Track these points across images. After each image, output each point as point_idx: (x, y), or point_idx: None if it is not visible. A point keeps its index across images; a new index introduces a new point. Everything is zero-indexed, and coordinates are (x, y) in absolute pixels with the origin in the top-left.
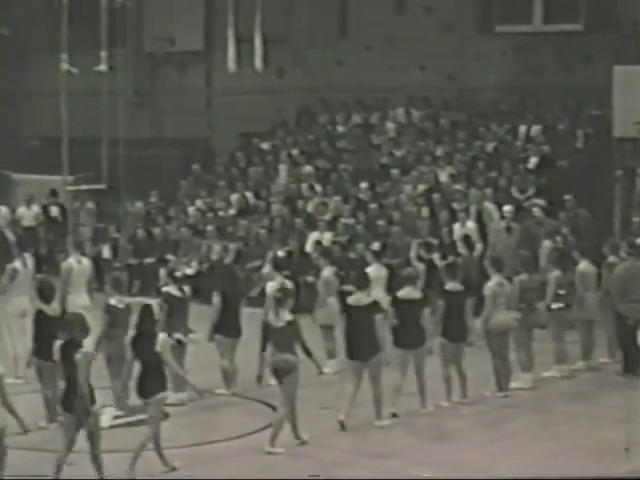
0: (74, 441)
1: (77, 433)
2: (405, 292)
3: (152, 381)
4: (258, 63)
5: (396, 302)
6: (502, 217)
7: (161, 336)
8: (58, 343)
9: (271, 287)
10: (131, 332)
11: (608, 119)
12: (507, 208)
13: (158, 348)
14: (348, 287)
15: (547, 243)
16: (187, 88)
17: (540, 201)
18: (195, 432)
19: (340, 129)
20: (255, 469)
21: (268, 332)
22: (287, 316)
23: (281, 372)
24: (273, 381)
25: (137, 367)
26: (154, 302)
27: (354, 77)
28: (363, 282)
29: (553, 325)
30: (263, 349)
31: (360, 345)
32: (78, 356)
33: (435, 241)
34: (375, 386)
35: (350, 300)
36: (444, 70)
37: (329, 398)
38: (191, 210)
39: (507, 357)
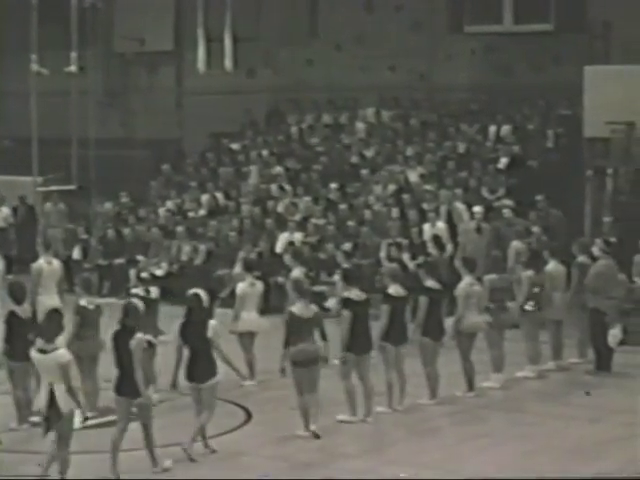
0: (127, 427)
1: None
2: (393, 289)
3: (204, 367)
4: (228, 63)
5: (388, 299)
6: (472, 217)
7: (212, 322)
8: (112, 332)
9: (241, 288)
10: (179, 320)
11: (578, 119)
12: (477, 209)
13: (210, 334)
14: (319, 288)
15: (515, 243)
16: (157, 88)
17: (509, 202)
18: (166, 433)
19: (307, 129)
20: (227, 470)
21: (294, 323)
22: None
23: (310, 361)
24: (248, 382)
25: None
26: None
27: (324, 77)
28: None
29: (526, 325)
30: (288, 343)
31: (360, 339)
32: (133, 342)
33: (405, 241)
34: (367, 381)
35: (352, 295)
36: (414, 70)
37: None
38: (161, 211)
39: (469, 357)
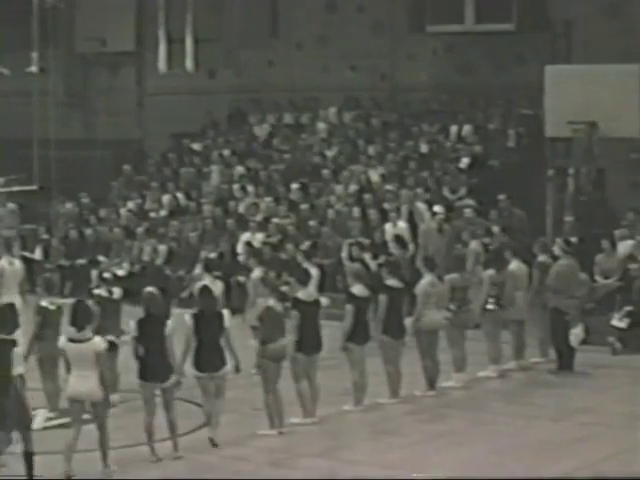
0: (154, 411)
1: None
2: (357, 289)
3: (216, 357)
4: (189, 63)
5: (351, 299)
6: (433, 217)
7: (226, 313)
8: (136, 319)
9: None
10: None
11: (540, 119)
12: (438, 208)
13: (227, 324)
14: (285, 288)
15: (473, 243)
16: (118, 89)
17: (471, 201)
18: (128, 434)
19: (267, 129)
20: (188, 470)
21: (271, 319)
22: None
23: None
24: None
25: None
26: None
27: (286, 77)
28: (305, 279)
29: (487, 325)
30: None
31: (310, 339)
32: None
33: (366, 241)
34: (314, 382)
35: (301, 295)
36: (376, 70)
37: (261, 399)
38: (122, 211)
39: (435, 356)
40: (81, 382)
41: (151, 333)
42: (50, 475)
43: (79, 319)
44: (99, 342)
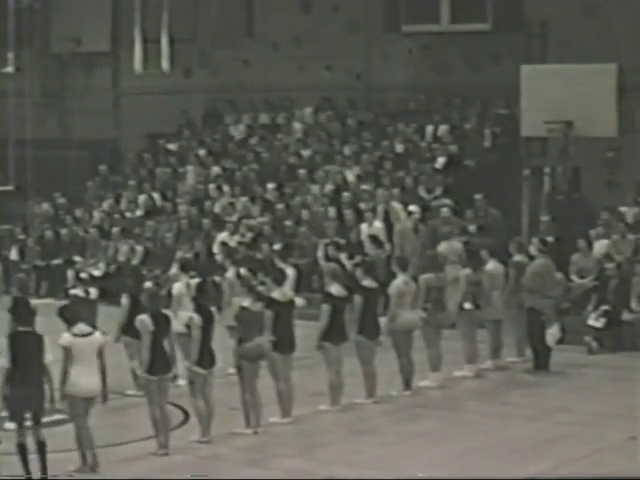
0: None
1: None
2: (334, 289)
3: (211, 353)
4: (165, 63)
5: (328, 299)
6: (408, 217)
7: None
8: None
9: (177, 288)
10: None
11: (516, 118)
12: (413, 208)
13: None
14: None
15: (443, 244)
16: (94, 89)
17: (447, 201)
18: (105, 433)
19: (242, 128)
20: (162, 470)
21: (246, 318)
22: None
23: (261, 356)
24: (183, 381)
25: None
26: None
27: (261, 77)
28: (280, 279)
29: (462, 324)
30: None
31: (284, 339)
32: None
33: (342, 241)
34: (289, 382)
35: (276, 295)
36: (351, 69)
37: (237, 398)
38: (98, 211)
39: (410, 355)
40: (87, 377)
41: (160, 328)
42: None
43: (22, 315)
44: (100, 336)
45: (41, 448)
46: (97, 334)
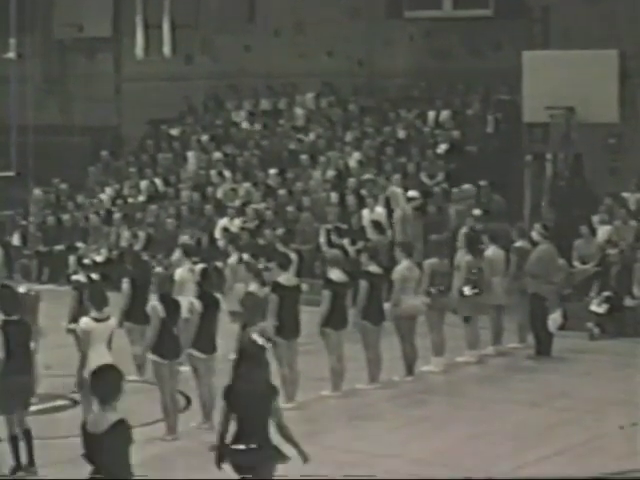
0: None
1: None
2: (335, 275)
3: (213, 339)
4: (166, 49)
5: (329, 284)
6: (408, 202)
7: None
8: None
9: (179, 274)
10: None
11: (517, 104)
12: (412, 193)
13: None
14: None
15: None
16: (96, 75)
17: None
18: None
19: (243, 114)
20: (167, 455)
21: (254, 304)
22: None
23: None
24: (184, 367)
25: None
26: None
27: (263, 63)
28: (286, 263)
29: (464, 310)
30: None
31: (289, 324)
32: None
33: (344, 227)
34: (295, 366)
35: (282, 280)
36: (353, 55)
37: None
38: (100, 197)
39: (413, 341)
40: (105, 361)
41: (170, 313)
42: (45, 460)
43: (8, 304)
44: (113, 321)
45: (27, 436)
46: (112, 319)
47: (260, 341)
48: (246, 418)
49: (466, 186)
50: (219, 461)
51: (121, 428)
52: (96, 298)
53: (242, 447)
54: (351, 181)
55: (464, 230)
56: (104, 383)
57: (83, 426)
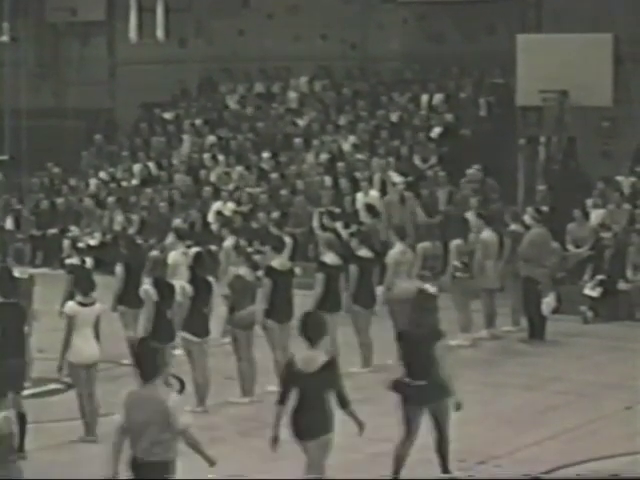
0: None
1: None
2: (328, 258)
3: (206, 322)
4: (160, 33)
5: (323, 268)
6: (394, 187)
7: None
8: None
9: (173, 257)
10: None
11: (511, 88)
12: (397, 179)
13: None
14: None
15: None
16: (89, 58)
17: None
18: (101, 403)
19: (237, 98)
20: None
21: (241, 287)
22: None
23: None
24: (177, 350)
25: None
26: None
27: (256, 46)
28: (280, 247)
29: (456, 293)
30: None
31: (282, 307)
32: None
33: (338, 210)
34: (287, 350)
35: (275, 264)
36: (347, 39)
37: (232, 367)
38: (93, 181)
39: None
40: (88, 345)
41: (164, 297)
42: (38, 443)
43: (4, 286)
44: (99, 305)
45: (22, 420)
46: (98, 304)
47: (431, 290)
48: (415, 359)
49: (471, 170)
50: (397, 391)
51: (330, 367)
52: (82, 282)
53: (417, 383)
54: (344, 164)
55: (469, 214)
56: (312, 325)
57: (290, 365)
